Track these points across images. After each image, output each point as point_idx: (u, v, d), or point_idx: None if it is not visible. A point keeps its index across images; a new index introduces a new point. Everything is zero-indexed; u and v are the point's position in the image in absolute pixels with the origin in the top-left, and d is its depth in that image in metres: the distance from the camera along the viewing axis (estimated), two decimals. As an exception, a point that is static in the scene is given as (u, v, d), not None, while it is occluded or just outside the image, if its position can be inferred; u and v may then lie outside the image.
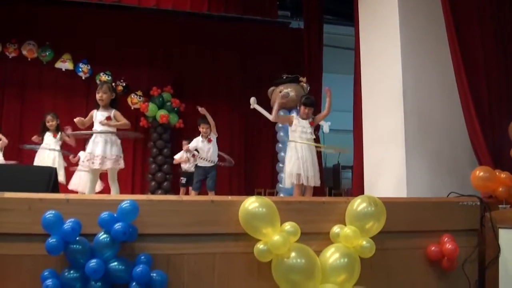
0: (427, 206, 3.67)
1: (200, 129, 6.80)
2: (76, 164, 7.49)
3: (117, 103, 5.25)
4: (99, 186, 6.70)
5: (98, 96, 5.10)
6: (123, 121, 5.12)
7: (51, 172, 3.69)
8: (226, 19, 10.59)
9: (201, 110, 6.71)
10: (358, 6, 6.62)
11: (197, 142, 6.81)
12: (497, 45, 4.99)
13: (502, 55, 4.98)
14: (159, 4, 8.55)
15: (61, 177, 6.36)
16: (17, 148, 7.96)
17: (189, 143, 7.10)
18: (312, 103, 5.35)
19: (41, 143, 6.74)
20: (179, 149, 8.32)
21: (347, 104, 7.70)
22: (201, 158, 6.80)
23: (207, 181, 6.77)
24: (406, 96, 5.35)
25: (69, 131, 6.60)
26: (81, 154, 6.91)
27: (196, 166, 7.01)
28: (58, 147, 6.74)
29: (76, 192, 7.09)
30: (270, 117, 8.15)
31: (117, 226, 2.75)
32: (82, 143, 6.76)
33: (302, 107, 5.30)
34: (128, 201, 2.89)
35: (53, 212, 2.74)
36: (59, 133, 6.78)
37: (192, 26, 10.73)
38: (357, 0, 6.69)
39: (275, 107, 5.40)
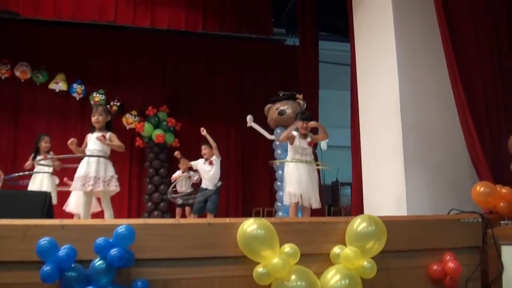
0: (428, 224, 3.66)
1: (202, 151, 6.87)
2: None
3: (112, 125, 5.26)
4: (95, 207, 6.61)
5: (94, 119, 5.12)
6: (118, 143, 5.13)
7: (45, 197, 3.67)
8: (221, 37, 10.62)
9: (202, 130, 6.76)
10: (353, 20, 6.65)
11: (199, 162, 6.88)
12: (493, 57, 5.00)
13: (499, 67, 4.99)
14: (154, 24, 8.58)
15: (53, 200, 6.30)
16: (11, 173, 7.87)
17: (187, 161, 7.19)
18: (310, 117, 5.34)
19: (33, 169, 6.68)
20: (176, 168, 8.31)
21: (344, 120, 7.72)
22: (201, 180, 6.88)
23: (207, 204, 6.78)
24: (403, 110, 5.34)
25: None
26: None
27: (199, 188, 7.02)
28: (51, 170, 6.70)
29: (72, 215, 7.03)
30: (268, 135, 8.20)
31: (113, 251, 2.73)
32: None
33: (300, 122, 5.30)
34: (124, 226, 2.87)
35: (47, 238, 2.71)
36: (51, 153, 6.74)
37: (187, 44, 10.77)
38: (352, 14, 6.73)
39: (285, 133, 5.38)
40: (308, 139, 5.33)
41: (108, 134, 5.11)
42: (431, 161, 5.28)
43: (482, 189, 4.14)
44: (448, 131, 5.29)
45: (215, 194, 6.80)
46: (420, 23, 5.50)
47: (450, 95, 4.89)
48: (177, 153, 7.21)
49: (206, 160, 6.85)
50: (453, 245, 3.59)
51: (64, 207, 7.18)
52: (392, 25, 5.51)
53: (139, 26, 9.03)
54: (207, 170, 6.80)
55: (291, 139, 5.33)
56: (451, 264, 3.43)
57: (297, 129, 5.38)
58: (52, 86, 9.80)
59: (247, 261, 3.07)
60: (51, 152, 6.79)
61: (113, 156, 5.28)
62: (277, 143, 8.36)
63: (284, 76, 10.87)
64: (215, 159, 6.79)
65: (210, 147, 6.78)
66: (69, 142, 5.00)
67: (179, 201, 8.11)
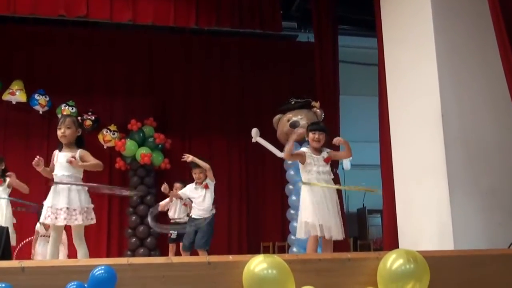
0: (483, 261, 3.60)
1: (193, 175, 6.83)
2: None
3: (83, 141, 5.19)
4: (62, 252, 6.54)
5: (60, 132, 5.04)
6: (92, 161, 5.04)
7: (1, 232, 3.62)
8: (218, 34, 10.66)
9: (187, 157, 6.71)
10: (381, 12, 6.64)
11: (189, 189, 6.82)
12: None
13: None
14: (136, 18, 8.57)
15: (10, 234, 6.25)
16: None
17: (183, 186, 7.11)
18: (322, 128, 5.30)
19: None
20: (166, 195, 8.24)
21: (371, 133, 7.68)
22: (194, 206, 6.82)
23: (197, 237, 6.71)
24: (446, 119, 5.32)
25: (13, 178, 6.53)
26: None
27: (189, 218, 6.97)
28: (5, 195, 6.65)
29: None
30: (278, 152, 8.14)
31: (88, 300, 2.69)
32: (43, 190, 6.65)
33: (311, 134, 5.26)
34: (103, 267, 2.84)
35: (3, 285, 2.67)
36: (6, 179, 6.69)
37: (177, 44, 10.81)
38: (379, 6, 6.72)
39: (290, 142, 5.31)
40: (324, 155, 5.27)
41: (77, 153, 5.01)
42: (483, 181, 5.24)
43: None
44: (504, 143, 5.27)
45: (208, 225, 6.74)
46: (466, 10, 5.49)
47: (505, 99, 4.84)
48: (164, 188, 7.09)
49: (198, 184, 6.79)
50: (517, 288, 3.52)
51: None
52: (430, 14, 5.50)
53: (118, 22, 9.03)
54: (200, 196, 6.74)
55: (300, 157, 5.28)
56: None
57: (308, 144, 5.33)
58: (6, 97, 9.72)
59: (256, 309, 3.01)
60: (7, 178, 6.74)
61: (89, 181, 5.23)
62: (290, 162, 8.32)
63: (297, 79, 10.90)
64: (210, 182, 6.75)
65: (202, 168, 6.74)
66: (34, 162, 4.92)
67: (173, 235, 8.03)
